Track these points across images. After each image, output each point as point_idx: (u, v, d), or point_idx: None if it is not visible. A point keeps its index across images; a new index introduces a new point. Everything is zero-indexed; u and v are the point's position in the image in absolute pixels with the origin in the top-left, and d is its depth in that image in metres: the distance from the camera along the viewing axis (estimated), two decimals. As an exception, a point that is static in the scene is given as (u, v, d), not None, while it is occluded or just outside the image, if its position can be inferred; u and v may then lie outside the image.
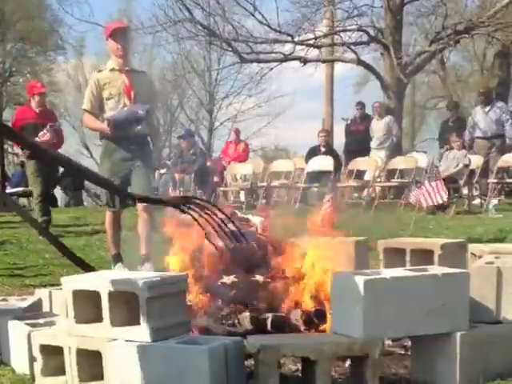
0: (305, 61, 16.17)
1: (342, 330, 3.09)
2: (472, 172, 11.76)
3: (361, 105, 14.37)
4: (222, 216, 3.28)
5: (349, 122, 14.56)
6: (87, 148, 33.88)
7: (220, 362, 2.91)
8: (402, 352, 3.55)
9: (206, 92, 30.96)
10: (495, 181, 11.79)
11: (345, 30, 16.41)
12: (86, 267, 4.88)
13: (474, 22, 14.93)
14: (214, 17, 17.11)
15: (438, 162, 12.13)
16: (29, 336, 3.43)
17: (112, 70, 6.17)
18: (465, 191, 11.93)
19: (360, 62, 16.34)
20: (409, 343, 3.43)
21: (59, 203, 18.65)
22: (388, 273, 3.24)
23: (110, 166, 6.03)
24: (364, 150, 13.56)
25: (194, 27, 16.34)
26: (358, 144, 13.73)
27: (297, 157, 16.46)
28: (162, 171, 15.34)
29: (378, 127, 13.71)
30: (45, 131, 9.08)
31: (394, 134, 13.79)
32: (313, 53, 16.83)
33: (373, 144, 13.75)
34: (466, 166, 11.48)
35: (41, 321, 3.68)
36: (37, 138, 8.85)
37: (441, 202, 7.41)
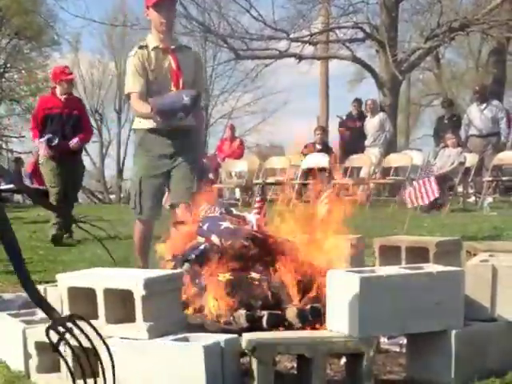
0: (300, 58, 16.18)
1: (338, 328, 3.10)
2: (467, 170, 11.80)
3: (357, 102, 14.36)
4: None
5: (344, 118, 14.55)
6: (83, 145, 33.74)
7: (216, 359, 2.91)
8: (398, 350, 3.55)
9: (201, 88, 30.88)
10: (490, 179, 11.83)
11: (340, 27, 16.44)
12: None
13: (469, 20, 14.96)
14: (210, 13, 17.12)
15: (433, 159, 12.15)
16: (24, 333, 3.42)
17: (155, 48, 5.02)
18: (460, 189, 11.97)
19: (355, 59, 16.37)
20: (404, 341, 3.44)
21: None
22: (383, 271, 3.24)
23: (146, 163, 5.09)
24: (360, 147, 13.58)
25: (189, 23, 16.33)
26: (354, 141, 13.73)
27: (292, 153, 16.46)
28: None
29: (371, 124, 13.74)
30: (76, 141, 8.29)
31: (387, 130, 13.80)
32: (308, 49, 16.87)
33: (367, 141, 13.77)
34: (462, 163, 11.51)
35: (36, 317, 3.68)
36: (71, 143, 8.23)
37: (432, 198, 7.37)
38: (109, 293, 3.08)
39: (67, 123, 8.37)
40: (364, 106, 14.13)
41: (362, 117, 14.10)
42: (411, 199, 7.30)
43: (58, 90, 8.47)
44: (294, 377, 3.18)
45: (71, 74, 8.81)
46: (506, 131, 12.68)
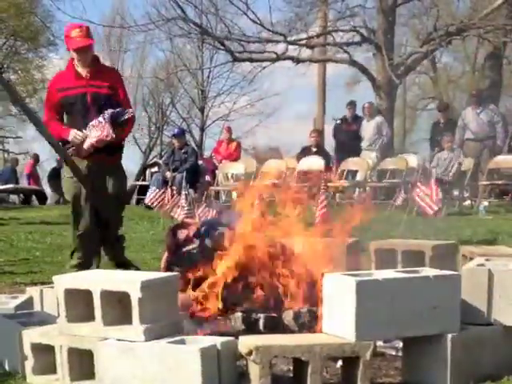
0: (297, 60, 16.19)
1: (334, 331, 3.10)
2: (463, 174, 11.82)
3: (352, 104, 14.35)
4: None
5: (338, 121, 14.53)
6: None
7: (212, 362, 2.92)
8: (394, 353, 3.56)
9: (198, 90, 30.93)
10: (486, 182, 11.85)
11: (337, 30, 16.44)
12: None
13: (465, 24, 14.99)
14: (207, 15, 17.13)
15: (429, 163, 12.17)
16: (20, 334, 3.42)
17: None
18: (455, 193, 11.98)
19: (352, 63, 16.37)
20: (400, 345, 3.44)
21: (49, 201, 18.63)
22: (380, 274, 3.24)
23: None
24: (356, 150, 13.56)
25: (186, 25, 16.33)
26: (350, 144, 13.72)
27: (288, 156, 16.47)
28: (153, 170, 15.33)
29: (368, 128, 13.73)
30: (101, 120, 5.58)
31: (385, 135, 13.80)
32: (305, 52, 16.87)
33: (363, 144, 13.78)
34: (460, 164, 11.56)
35: (32, 319, 3.67)
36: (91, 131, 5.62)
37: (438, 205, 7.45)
38: (105, 295, 3.08)
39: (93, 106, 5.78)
40: (361, 109, 14.13)
41: (356, 119, 14.10)
42: (429, 205, 7.30)
43: (76, 62, 5.82)
44: (290, 379, 3.19)
45: (88, 39, 5.81)
46: (503, 135, 12.70)
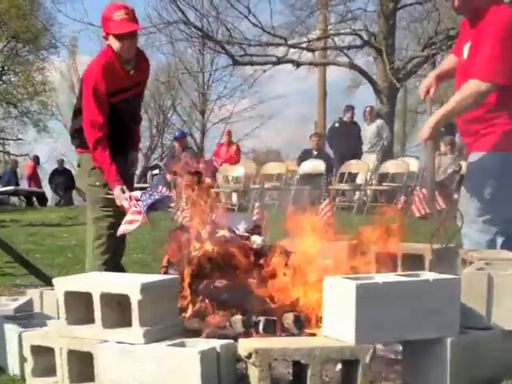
0: (298, 64, 16.22)
1: (334, 334, 3.10)
2: (462, 177, 11.81)
3: (349, 108, 14.33)
4: None
5: (336, 125, 14.54)
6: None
7: (211, 365, 2.92)
8: (393, 357, 3.55)
9: (199, 93, 30.97)
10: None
11: (338, 34, 16.49)
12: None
13: (466, 28, 14.99)
14: (208, 18, 17.18)
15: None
16: (19, 336, 3.42)
17: None
18: (455, 196, 11.97)
19: (353, 66, 16.41)
20: (400, 348, 3.44)
21: (50, 202, 18.66)
22: (380, 278, 3.24)
23: None
24: (355, 154, 13.55)
25: (187, 29, 16.37)
26: (349, 147, 13.71)
27: (289, 159, 16.51)
28: (154, 172, 15.36)
29: (368, 131, 13.76)
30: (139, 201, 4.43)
31: (385, 138, 13.83)
32: (306, 56, 16.91)
33: (364, 147, 13.80)
34: (456, 172, 11.52)
35: (32, 321, 3.67)
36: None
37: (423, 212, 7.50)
38: (105, 297, 3.08)
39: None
40: (362, 113, 14.15)
41: (355, 123, 14.11)
42: (418, 208, 7.34)
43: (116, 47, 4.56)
44: (290, 383, 3.19)
45: (136, 22, 4.62)
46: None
